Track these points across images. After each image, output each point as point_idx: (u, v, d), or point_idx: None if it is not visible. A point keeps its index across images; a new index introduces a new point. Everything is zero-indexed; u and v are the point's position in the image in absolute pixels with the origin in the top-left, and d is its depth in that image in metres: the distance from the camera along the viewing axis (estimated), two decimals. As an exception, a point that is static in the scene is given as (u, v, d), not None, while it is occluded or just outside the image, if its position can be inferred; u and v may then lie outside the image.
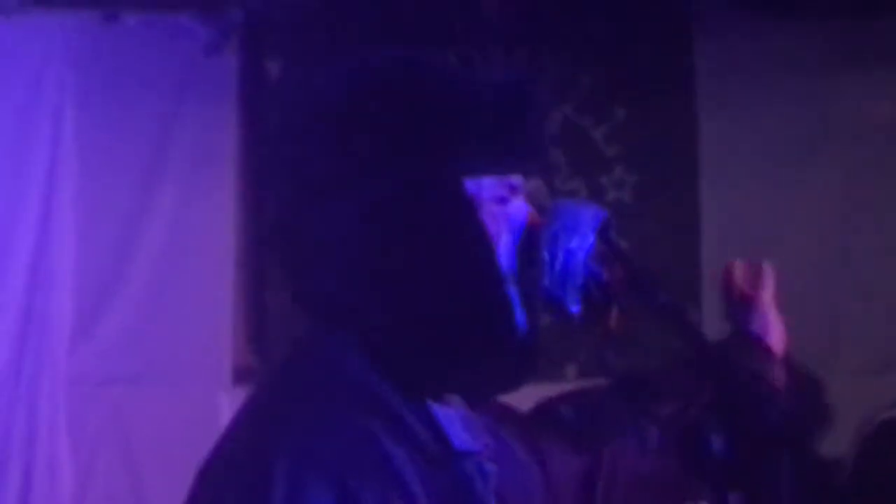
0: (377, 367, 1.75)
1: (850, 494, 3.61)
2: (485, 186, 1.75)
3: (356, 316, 1.78)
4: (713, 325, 3.35)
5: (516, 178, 1.75)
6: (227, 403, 4.64)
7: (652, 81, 4.87)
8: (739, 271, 2.08)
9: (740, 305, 2.09)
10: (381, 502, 1.62)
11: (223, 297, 5.03)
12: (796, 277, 4.37)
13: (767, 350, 2.08)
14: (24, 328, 4.86)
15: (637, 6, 4.88)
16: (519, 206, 1.78)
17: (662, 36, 4.95)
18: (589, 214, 1.88)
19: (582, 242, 1.83)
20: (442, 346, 1.76)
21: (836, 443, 4.14)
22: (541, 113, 1.89)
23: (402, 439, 1.70)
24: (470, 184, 1.76)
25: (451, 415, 1.80)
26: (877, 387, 4.17)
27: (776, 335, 2.08)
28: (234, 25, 4.87)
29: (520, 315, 1.76)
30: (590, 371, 4.62)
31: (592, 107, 4.92)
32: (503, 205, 1.75)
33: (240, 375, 5.01)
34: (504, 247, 1.77)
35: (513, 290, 1.76)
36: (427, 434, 1.74)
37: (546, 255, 1.81)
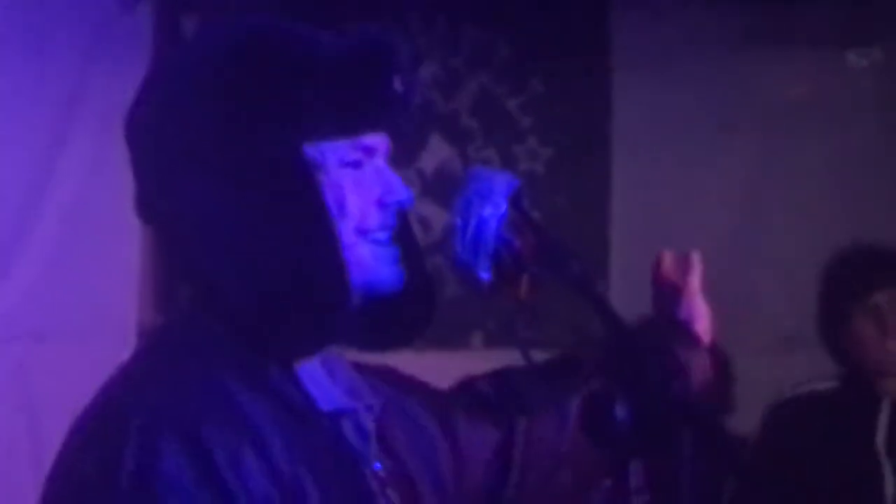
0: (239, 332, 1.78)
1: (751, 465, 3.73)
2: (328, 151, 1.77)
3: (213, 283, 1.80)
4: (620, 298, 3.40)
5: (372, 140, 1.77)
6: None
7: (568, 54, 4.87)
8: (669, 261, 2.06)
9: (668, 295, 2.09)
10: (233, 456, 1.64)
11: (129, 254, 4.92)
12: (707, 255, 4.82)
13: (695, 337, 2.07)
14: None
15: None
16: (377, 168, 1.80)
17: (580, 9, 4.93)
18: (502, 182, 1.87)
19: (495, 210, 1.85)
20: (280, 311, 1.77)
21: (748, 418, 4.13)
22: (396, 69, 1.82)
23: (263, 396, 1.74)
24: (311, 149, 1.77)
25: (320, 377, 1.83)
26: (786, 364, 4.33)
27: (703, 323, 2.10)
28: None
29: (379, 270, 1.78)
30: (497, 340, 4.84)
31: (509, 77, 4.94)
32: (356, 167, 1.78)
33: (145, 334, 4.93)
34: (356, 207, 1.79)
35: (352, 254, 1.77)
36: (296, 395, 1.78)
37: (458, 221, 1.82)
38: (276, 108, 1.76)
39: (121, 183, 4.92)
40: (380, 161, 1.78)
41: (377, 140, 1.76)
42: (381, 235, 1.77)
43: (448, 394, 2.14)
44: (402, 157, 4.88)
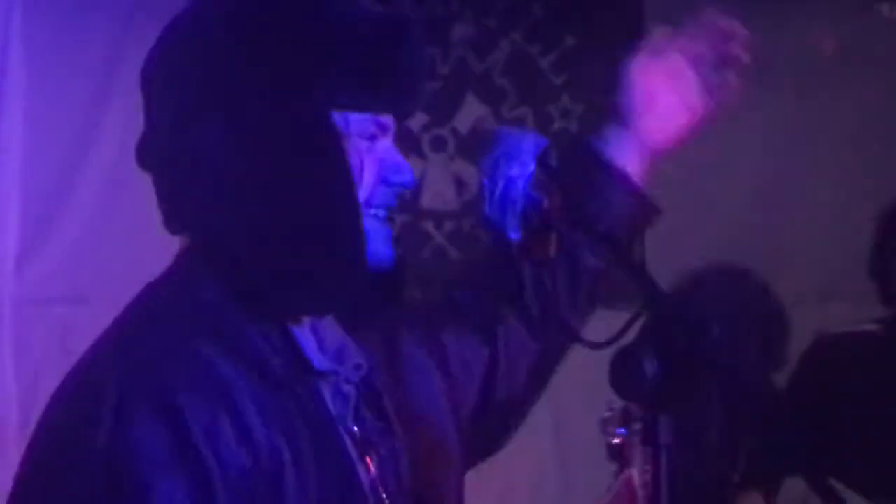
0: (233, 290, 1.82)
1: (787, 404, 4.09)
2: (353, 121, 1.81)
3: (218, 237, 1.84)
4: (649, 253, 3.46)
5: (386, 118, 1.82)
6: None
7: (601, 9, 4.82)
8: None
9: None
10: (210, 424, 1.67)
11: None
12: (739, 209, 4.76)
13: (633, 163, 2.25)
14: None
15: None
16: (387, 147, 1.85)
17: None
18: (530, 142, 1.95)
19: (522, 170, 1.92)
20: (290, 268, 1.81)
21: (781, 370, 4.37)
22: (417, 56, 1.89)
23: (241, 363, 1.77)
24: (338, 116, 1.81)
25: (311, 337, 1.88)
26: (820, 316, 4.32)
27: (671, 104, 2.21)
28: None
29: (373, 246, 1.82)
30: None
31: (542, 35, 4.87)
32: (372, 141, 1.82)
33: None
34: (368, 180, 1.84)
35: (369, 222, 1.83)
36: (278, 356, 1.82)
37: (486, 182, 1.92)
38: (310, 71, 1.79)
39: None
40: (389, 140, 1.85)
41: (390, 120, 1.82)
42: (380, 212, 1.83)
43: (437, 318, 2.23)
44: (438, 116, 4.82)
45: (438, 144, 4.94)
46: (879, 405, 3.88)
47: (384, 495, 1.94)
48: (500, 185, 1.96)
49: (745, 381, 2.49)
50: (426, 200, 4.95)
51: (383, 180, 1.85)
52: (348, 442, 1.91)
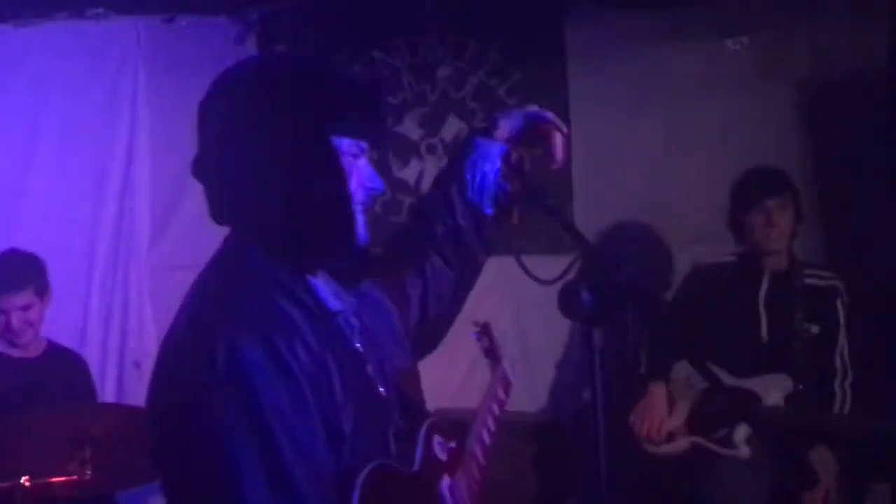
0: (271, 256, 2.02)
1: (670, 313, 4.61)
2: (344, 144, 2.03)
3: (256, 221, 2.02)
4: (580, 220, 3.54)
5: (364, 143, 2.06)
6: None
7: (539, 55, 5.36)
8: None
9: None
10: (289, 347, 1.90)
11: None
12: (641, 182, 5.24)
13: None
14: (118, 233, 5.37)
15: (522, 15, 5.32)
16: (364, 162, 2.09)
17: (547, 29, 5.36)
18: (497, 148, 2.24)
19: (492, 167, 2.24)
20: (309, 240, 2.03)
21: (670, 290, 4.90)
22: (383, 104, 2.12)
23: (295, 304, 2.00)
24: (335, 140, 2.01)
25: (324, 285, 2.08)
26: (693, 253, 4.80)
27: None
28: (253, 23, 5.32)
29: (359, 228, 2.05)
30: (497, 250, 4.99)
31: (498, 72, 5.43)
32: (355, 158, 2.05)
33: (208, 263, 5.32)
34: (353, 184, 2.05)
35: (357, 210, 2.06)
36: (310, 300, 2.03)
37: (468, 176, 2.26)
38: (318, 111, 2.01)
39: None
40: (366, 159, 2.09)
41: (366, 146, 2.07)
42: (359, 207, 2.07)
43: (390, 269, 2.42)
44: (429, 130, 5.30)
45: (431, 150, 5.49)
46: (734, 310, 4.46)
47: (380, 386, 2.17)
48: (478, 177, 2.28)
49: (648, 300, 2.96)
50: (423, 187, 5.36)
51: (362, 185, 2.07)
52: (359, 355, 2.13)
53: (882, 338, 4.63)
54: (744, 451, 4.28)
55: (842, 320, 4.43)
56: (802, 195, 4.50)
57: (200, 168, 2.07)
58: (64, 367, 4.59)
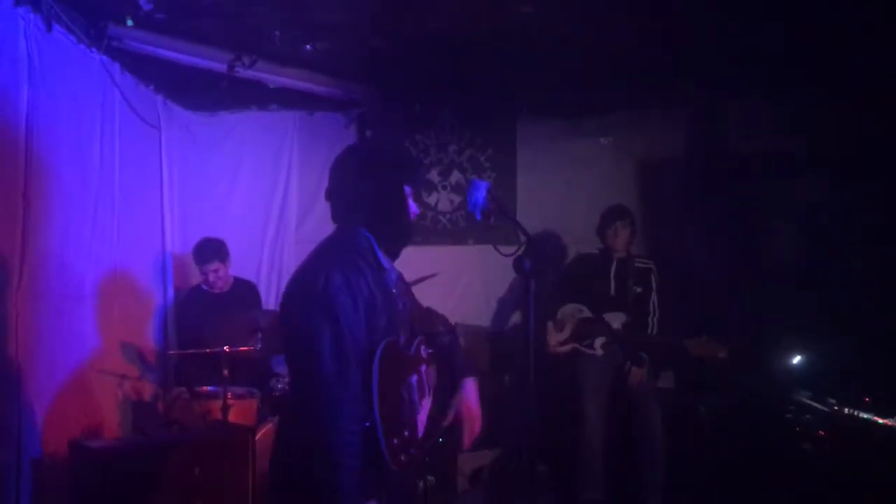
0: (368, 235, 2.14)
1: (559, 283, 4.62)
2: (407, 188, 2.20)
3: (360, 217, 2.16)
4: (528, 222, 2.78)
5: (415, 187, 2.21)
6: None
7: (503, 140, 5.59)
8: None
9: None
10: (356, 282, 2.04)
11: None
12: (553, 211, 5.26)
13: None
14: (278, 224, 5.61)
15: (494, 119, 5.47)
16: (411, 203, 2.21)
17: (507, 127, 5.59)
18: (484, 185, 2.29)
19: (480, 195, 2.27)
20: (385, 230, 2.17)
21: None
22: (422, 170, 2.48)
23: (365, 262, 2.12)
24: (405, 187, 2.20)
25: (383, 255, 2.19)
26: (579, 248, 4.86)
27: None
28: (354, 117, 5.51)
29: (407, 226, 2.21)
30: (480, 241, 5.40)
31: (480, 149, 5.62)
32: (411, 195, 2.21)
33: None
34: (412, 208, 2.21)
35: (411, 226, 2.22)
36: (374, 261, 2.15)
37: (469, 199, 2.29)
38: (399, 173, 2.21)
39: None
40: (411, 199, 2.23)
41: (414, 188, 2.23)
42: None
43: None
44: (443, 177, 5.40)
45: (444, 188, 5.59)
46: (597, 277, 4.58)
47: (406, 316, 2.23)
48: (472, 200, 2.26)
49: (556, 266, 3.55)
50: (439, 208, 5.59)
51: (412, 210, 2.22)
52: (392, 293, 2.20)
53: (676, 295, 4.64)
54: (599, 352, 4.50)
55: (654, 286, 4.56)
56: (636, 220, 4.64)
57: (330, 195, 2.23)
58: (244, 291, 4.88)
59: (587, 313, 4.55)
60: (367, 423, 2.00)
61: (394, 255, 2.23)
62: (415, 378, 2.27)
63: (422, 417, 2.31)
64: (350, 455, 1.96)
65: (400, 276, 2.30)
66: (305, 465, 1.97)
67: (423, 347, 2.34)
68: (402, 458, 2.11)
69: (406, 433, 2.16)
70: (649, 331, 4.51)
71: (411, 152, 2.62)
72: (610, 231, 4.56)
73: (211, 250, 4.64)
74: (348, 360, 1.99)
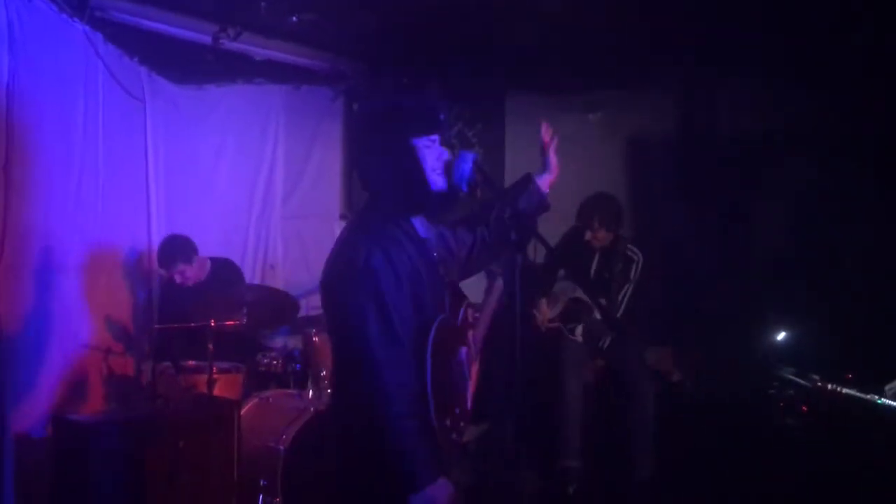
0: (391, 207, 2.10)
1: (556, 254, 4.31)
2: (421, 142, 2.07)
3: (380, 189, 2.12)
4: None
5: (434, 137, 2.10)
6: (337, 228, 5.30)
7: (492, 115, 5.74)
8: (547, 135, 2.41)
9: (544, 151, 2.42)
10: (397, 257, 2.01)
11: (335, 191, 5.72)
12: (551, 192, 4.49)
13: (543, 186, 2.36)
14: (264, 199, 5.64)
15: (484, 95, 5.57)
16: (436, 148, 2.10)
17: (496, 102, 5.74)
18: (470, 156, 2.20)
19: (467, 166, 2.17)
20: (405, 202, 2.09)
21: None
22: (438, 111, 2.09)
23: (404, 234, 2.09)
24: (415, 140, 2.06)
25: (419, 222, 2.14)
26: (561, 230, 4.72)
27: (554, 166, 2.41)
28: (341, 90, 5.56)
29: (434, 187, 2.07)
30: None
31: (469, 124, 5.74)
32: (427, 149, 2.09)
33: (342, 216, 5.66)
34: (428, 163, 2.07)
35: (433, 177, 2.07)
36: (412, 231, 2.11)
37: (455, 171, 2.17)
38: (404, 127, 2.08)
39: (329, 166, 5.49)
40: (436, 145, 2.10)
41: (435, 137, 2.10)
42: (436, 174, 2.10)
43: (457, 222, 2.36)
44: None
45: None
46: (582, 262, 4.55)
47: (444, 276, 2.17)
48: (459, 171, 2.17)
49: (543, 242, 2.50)
50: None
51: (436, 161, 2.09)
52: (434, 261, 2.16)
53: (658, 281, 4.66)
54: (580, 338, 4.59)
55: (632, 277, 4.53)
56: (621, 208, 4.61)
57: (354, 166, 2.23)
58: (223, 270, 4.81)
59: (580, 294, 4.59)
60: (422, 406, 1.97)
61: (433, 219, 2.20)
62: (464, 350, 2.23)
63: (471, 388, 2.28)
64: (412, 439, 1.93)
65: (440, 235, 2.25)
66: (373, 455, 1.96)
67: (471, 311, 2.30)
68: (454, 436, 2.11)
69: (457, 410, 2.15)
70: (620, 312, 4.55)
71: (425, 101, 2.44)
72: (588, 231, 4.56)
73: (174, 251, 4.54)
74: (397, 338, 1.96)
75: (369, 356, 1.94)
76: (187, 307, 4.15)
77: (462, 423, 2.15)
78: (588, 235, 4.50)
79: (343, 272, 1.99)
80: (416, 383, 1.97)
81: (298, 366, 4.27)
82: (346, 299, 1.98)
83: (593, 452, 4.45)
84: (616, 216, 4.52)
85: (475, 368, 2.34)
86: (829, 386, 3.42)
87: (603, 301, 4.43)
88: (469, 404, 2.24)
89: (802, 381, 3.56)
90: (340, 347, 2.09)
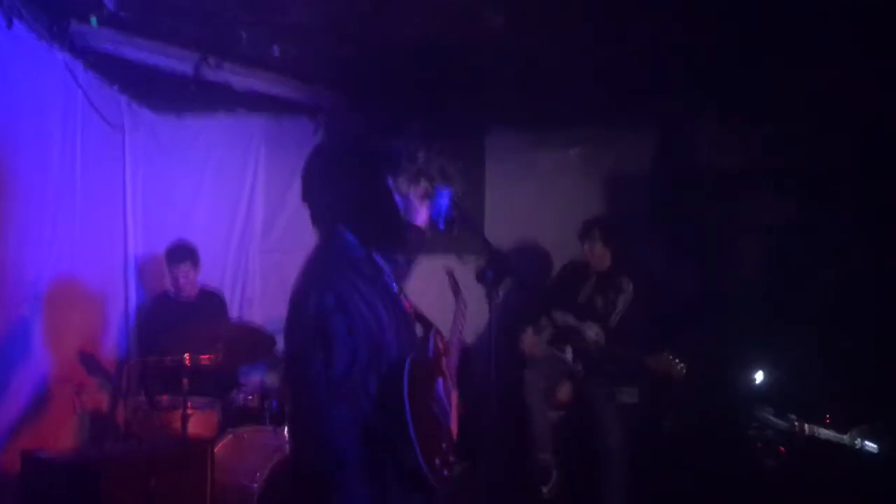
0: (358, 243, 2.02)
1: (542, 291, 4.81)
2: (392, 182, 2.06)
3: (338, 217, 2.03)
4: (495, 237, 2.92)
5: (413, 175, 2.10)
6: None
7: (472, 151, 5.66)
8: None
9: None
10: (352, 302, 1.92)
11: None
12: (518, 222, 5.30)
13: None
14: (243, 233, 5.63)
15: (465, 132, 5.51)
16: (418, 185, 2.12)
17: (476, 138, 5.67)
18: (447, 193, 2.24)
19: (444, 202, 2.22)
20: (375, 236, 2.04)
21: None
22: (425, 153, 2.13)
23: (358, 274, 1.99)
24: (389, 181, 2.05)
25: (378, 255, 2.08)
26: (565, 258, 4.94)
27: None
28: (321, 122, 5.45)
29: (416, 223, 2.08)
30: (447, 251, 4.82)
31: (449, 159, 4.13)
32: (409, 183, 2.09)
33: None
34: (411, 199, 2.09)
35: (410, 214, 2.07)
36: (369, 266, 2.02)
37: (434, 207, 2.20)
38: (373, 163, 2.05)
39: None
40: (416, 182, 2.13)
41: (414, 175, 2.12)
42: (415, 209, 2.08)
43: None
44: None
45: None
46: (576, 289, 4.75)
47: (413, 316, 2.12)
48: (435, 207, 2.21)
49: (519, 280, 3.12)
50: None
51: (415, 196, 2.10)
52: (395, 293, 2.09)
53: (641, 311, 4.69)
54: (569, 359, 4.69)
55: (619, 307, 4.68)
56: (610, 231, 4.76)
57: (307, 196, 2.11)
58: (209, 300, 4.94)
59: (571, 321, 4.68)
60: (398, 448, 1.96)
61: (391, 252, 2.12)
62: (440, 381, 2.17)
63: (454, 417, 2.24)
64: (353, 487, 1.91)
65: (395, 267, 2.18)
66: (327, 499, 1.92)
67: (440, 339, 2.24)
68: (445, 472, 2.07)
69: (444, 445, 2.11)
70: (611, 340, 4.62)
71: (392, 142, 2.42)
72: (586, 246, 4.76)
73: (184, 251, 4.71)
74: (338, 392, 1.90)
75: (310, 406, 1.91)
76: (166, 334, 4.17)
77: (451, 458, 2.11)
78: (586, 248, 4.65)
79: (294, 318, 1.96)
80: (353, 432, 1.92)
81: (275, 402, 4.24)
82: (298, 334, 1.95)
83: (565, 446, 4.58)
84: (614, 231, 4.66)
85: (455, 396, 2.30)
86: (807, 427, 3.45)
87: (597, 327, 4.54)
88: (455, 434, 2.20)
89: (780, 422, 3.56)
90: (291, 395, 2.07)
